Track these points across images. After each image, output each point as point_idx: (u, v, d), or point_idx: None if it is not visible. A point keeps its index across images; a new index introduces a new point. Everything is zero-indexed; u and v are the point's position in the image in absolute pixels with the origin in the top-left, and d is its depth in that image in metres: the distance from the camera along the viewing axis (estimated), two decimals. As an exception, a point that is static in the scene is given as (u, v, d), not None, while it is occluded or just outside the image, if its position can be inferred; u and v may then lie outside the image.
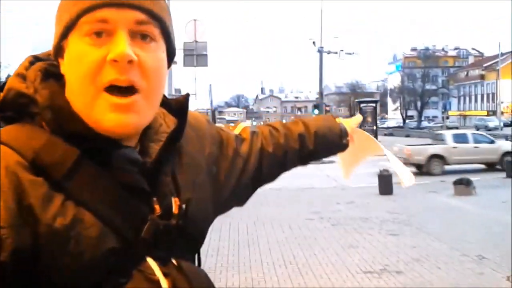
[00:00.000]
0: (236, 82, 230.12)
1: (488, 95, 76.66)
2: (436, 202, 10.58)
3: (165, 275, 0.81)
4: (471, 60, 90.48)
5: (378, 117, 38.57)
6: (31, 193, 0.74)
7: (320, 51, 31.69)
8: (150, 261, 0.81)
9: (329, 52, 33.25)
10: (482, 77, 77.95)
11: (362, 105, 38.32)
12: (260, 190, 1.23)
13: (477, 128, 52.98)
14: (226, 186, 1.09)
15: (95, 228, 0.77)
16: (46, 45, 0.88)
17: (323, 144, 1.34)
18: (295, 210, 10.28)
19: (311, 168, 14.63)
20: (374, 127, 36.09)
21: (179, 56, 14.66)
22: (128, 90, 0.79)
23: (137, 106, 0.80)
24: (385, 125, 68.97)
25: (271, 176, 1.27)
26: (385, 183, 12.07)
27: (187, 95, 0.98)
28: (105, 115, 0.78)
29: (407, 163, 13.75)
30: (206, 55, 15.62)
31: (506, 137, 37.04)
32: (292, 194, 12.43)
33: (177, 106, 0.95)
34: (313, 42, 32.03)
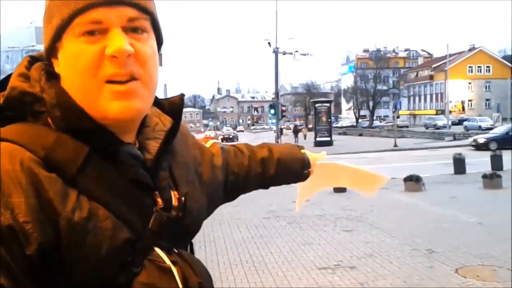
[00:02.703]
0: (192, 82, 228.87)
1: (436, 94, 79.50)
2: (387, 199, 10.85)
3: (173, 263, 0.86)
4: (420, 61, 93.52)
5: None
6: (49, 188, 0.76)
7: (276, 52, 31.89)
8: (158, 250, 0.86)
9: (284, 53, 33.48)
10: (431, 77, 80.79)
11: (317, 105, 39.01)
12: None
13: (426, 126, 54.85)
14: (206, 191, 1.11)
15: (109, 221, 0.80)
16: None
17: (284, 171, 1.39)
18: (252, 210, 10.31)
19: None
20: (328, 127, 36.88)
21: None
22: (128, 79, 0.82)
23: (138, 91, 0.83)
24: (339, 125, 70.40)
25: (231, 196, 1.32)
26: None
27: (182, 96, 1.02)
28: (110, 104, 0.81)
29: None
30: (161, 54, 15.39)
31: (454, 135, 38.65)
32: (248, 194, 12.29)
33: (171, 106, 0.99)
34: (269, 43, 32.19)
